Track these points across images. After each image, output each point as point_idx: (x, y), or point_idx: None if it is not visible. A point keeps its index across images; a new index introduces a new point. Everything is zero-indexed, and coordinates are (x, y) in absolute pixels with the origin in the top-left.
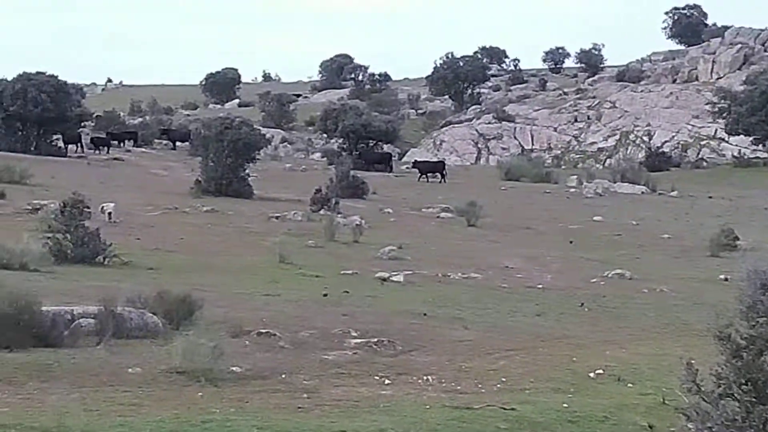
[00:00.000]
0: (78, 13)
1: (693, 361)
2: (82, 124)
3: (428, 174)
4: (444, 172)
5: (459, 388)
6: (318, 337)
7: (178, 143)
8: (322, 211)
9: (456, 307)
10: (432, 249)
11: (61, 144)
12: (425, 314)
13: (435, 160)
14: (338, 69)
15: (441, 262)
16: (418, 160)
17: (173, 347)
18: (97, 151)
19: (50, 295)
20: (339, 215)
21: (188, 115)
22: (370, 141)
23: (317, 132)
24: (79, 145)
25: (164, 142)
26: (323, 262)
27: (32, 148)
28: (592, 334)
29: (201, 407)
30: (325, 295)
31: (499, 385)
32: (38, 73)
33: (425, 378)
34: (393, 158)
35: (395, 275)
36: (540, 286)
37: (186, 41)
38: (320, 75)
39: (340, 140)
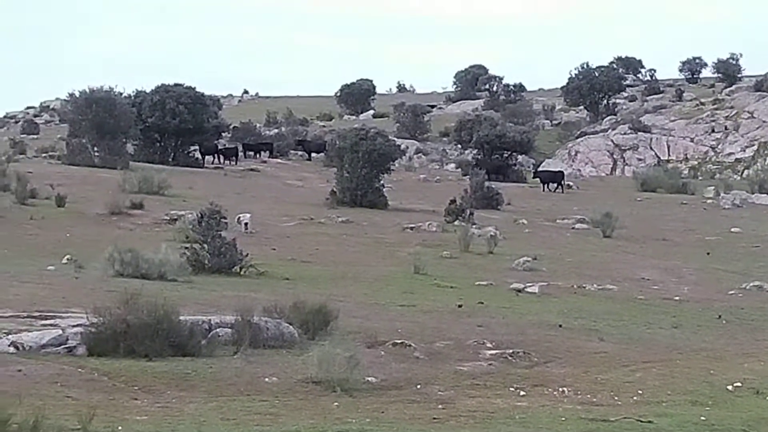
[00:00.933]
0: (215, 24)
1: None
2: (221, 134)
3: (549, 183)
4: (563, 182)
5: (595, 400)
6: (453, 348)
7: (313, 154)
8: (456, 222)
9: (591, 319)
10: (567, 260)
11: (198, 155)
12: (560, 326)
13: (555, 170)
14: (473, 79)
15: (576, 274)
16: (540, 170)
17: (309, 357)
18: (227, 162)
19: (188, 304)
20: (473, 226)
21: (323, 126)
22: (505, 152)
23: (452, 143)
24: (216, 156)
25: (300, 153)
26: (458, 273)
27: (170, 159)
28: (730, 346)
29: (337, 417)
30: (460, 306)
31: (635, 398)
32: (176, 84)
33: (561, 390)
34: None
35: (530, 286)
36: (677, 298)
37: (321, 52)
38: (454, 85)
39: (475, 151)
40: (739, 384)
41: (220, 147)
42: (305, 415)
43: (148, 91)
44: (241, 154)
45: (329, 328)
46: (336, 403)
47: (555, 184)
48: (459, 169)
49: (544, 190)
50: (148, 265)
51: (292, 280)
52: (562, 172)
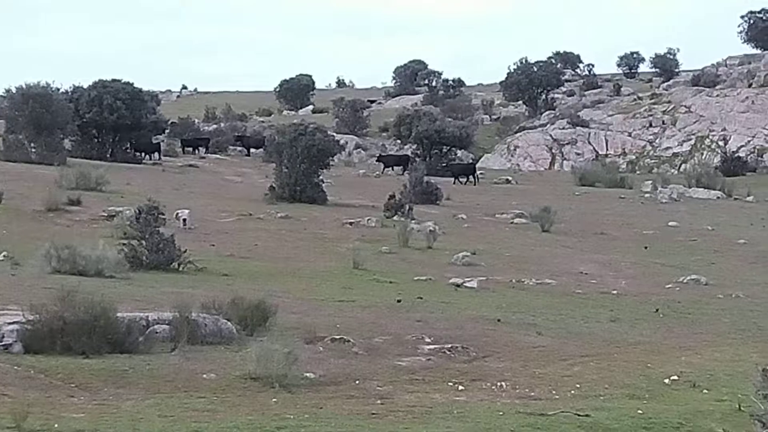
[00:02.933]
0: (153, 21)
1: None
2: (164, 131)
3: (460, 176)
4: (475, 174)
5: (533, 394)
6: (392, 343)
7: (252, 150)
8: (395, 217)
9: (530, 313)
10: (506, 255)
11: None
12: (499, 320)
13: (466, 162)
14: (412, 75)
15: (515, 268)
16: (383, 154)
17: (247, 353)
18: (148, 157)
19: (125, 301)
20: (413, 221)
21: (262, 121)
22: (444, 147)
23: (391, 138)
24: (150, 154)
25: (238, 148)
26: (397, 268)
27: (108, 155)
28: (667, 339)
29: (275, 413)
30: (399, 301)
31: (573, 392)
32: (114, 80)
33: (499, 384)
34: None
35: (469, 281)
36: (614, 291)
37: (260, 48)
38: (394, 81)
39: (414, 146)
40: (676, 377)
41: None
42: (243, 411)
43: (85, 86)
44: (179, 149)
45: (268, 324)
46: (274, 399)
47: (465, 177)
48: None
49: (455, 183)
50: (86, 262)
51: (231, 276)
52: (473, 164)
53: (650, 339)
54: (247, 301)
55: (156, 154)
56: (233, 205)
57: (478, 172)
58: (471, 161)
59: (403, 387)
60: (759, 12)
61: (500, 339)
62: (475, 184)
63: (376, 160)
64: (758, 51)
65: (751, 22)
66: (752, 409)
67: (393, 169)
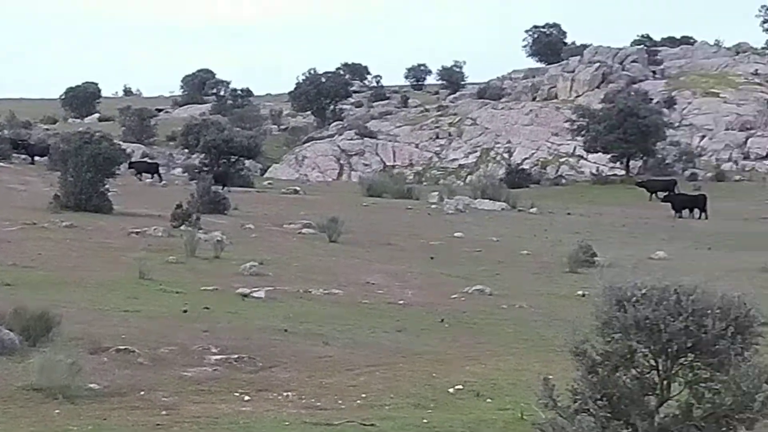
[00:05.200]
0: None
1: (550, 377)
2: None
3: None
4: (159, 173)
5: (319, 404)
6: (178, 353)
7: (36, 158)
8: (183, 227)
9: (317, 323)
10: (294, 265)
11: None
12: (286, 330)
13: (150, 161)
14: (200, 84)
15: (302, 278)
16: (134, 161)
17: (30, 364)
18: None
19: None
20: (200, 231)
21: (47, 129)
22: (232, 156)
23: (178, 147)
24: None
25: (22, 156)
26: (184, 278)
27: None
28: (452, 349)
29: (58, 424)
30: (185, 311)
31: (359, 401)
32: None
33: (285, 394)
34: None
35: (256, 291)
36: (401, 302)
37: (46, 55)
38: (182, 90)
39: (202, 156)
40: (460, 386)
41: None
42: (25, 422)
43: None
44: None
45: (51, 334)
46: (57, 411)
47: (150, 175)
48: (186, 174)
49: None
50: None
51: (14, 285)
52: (156, 163)
53: (436, 349)
54: (29, 311)
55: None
56: (17, 213)
57: (265, 183)
58: (153, 161)
59: (188, 398)
60: (543, 27)
61: (287, 349)
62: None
63: (128, 167)
64: (542, 65)
65: (536, 36)
66: (534, 418)
67: (142, 176)
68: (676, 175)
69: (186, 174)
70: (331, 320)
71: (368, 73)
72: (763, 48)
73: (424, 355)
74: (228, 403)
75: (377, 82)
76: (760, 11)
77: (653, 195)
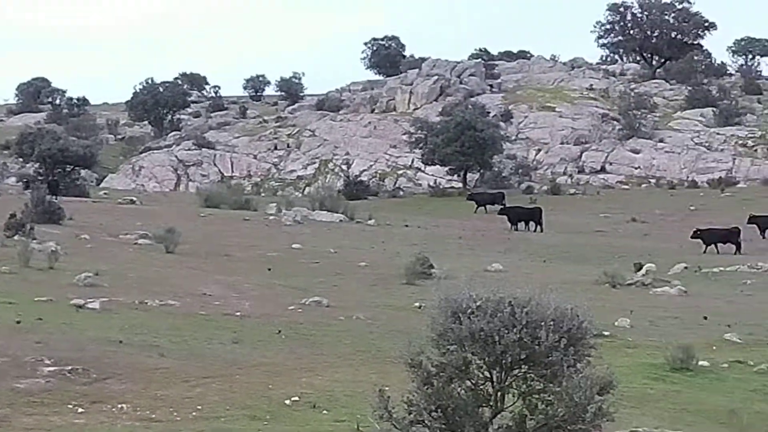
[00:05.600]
0: None
1: (386, 388)
2: None
3: None
4: None
5: (154, 416)
6: (10, 365)
7: None
8: (16, 237)
9: (152, 335)
10: (129, 276)
11: None
12: (121, 342)
13: None
14: (35, 92)
15: (138, 289)
16: None
17: None
18: None
19: None
20: (34, 241)
21: None
22: (68, 166)
23: (13, 156)
24: None
25: None
26: (17, 289)
27: None
28: (289, 361)
29: None
30: (18, 322)
31: (194, 413)
32: None
33: (119, 406)
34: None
35: (91, 302)
36: (238, 313)
37: None
38: (17, 98)
39: (36, 165)
40: (296, 398)
41: None
42: None
43: None
44: None
45: None
46: None
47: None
48: (20, 183)
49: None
50: None
51: None
52: None
53: (272, 360)
54: None
55: None
56: None
57: (101, 192)
58: None
59: (21, 410)
60: (382, 39)
61: (122, 360)
62: None
63: None
64: (381, 77)
65: (374, 49)
66: (370, 430)
67: None
68: (512, 188)
69: (20, 183)
70: (166, 331)
71: (206, 83)
72: (598, 63)
73: (260, 366)
74: (61, 415)
75: (215, 93)
76: (595, 27)
77: (481, 208)
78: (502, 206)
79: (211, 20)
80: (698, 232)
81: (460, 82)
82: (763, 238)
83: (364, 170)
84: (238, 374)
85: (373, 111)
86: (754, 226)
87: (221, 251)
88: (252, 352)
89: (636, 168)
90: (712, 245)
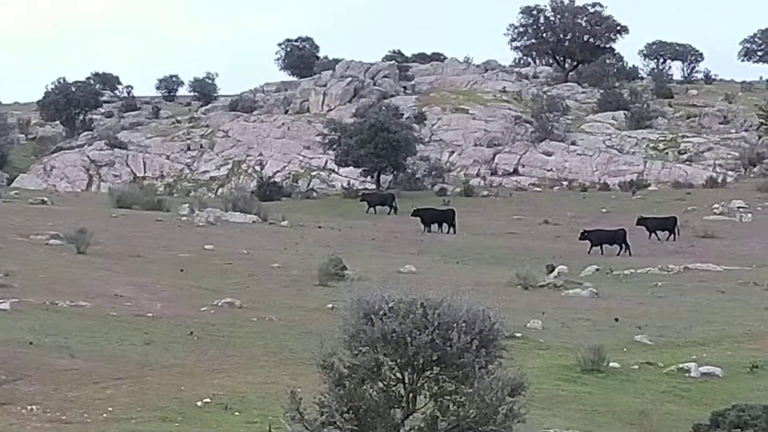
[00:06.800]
0: None
1: (298, 390)
2: None
3: None
4: None
5: (64, 417)
6: None
7: None
8: None
9: (63, 336)
10: (40, 276)
11: None
12: (31, 343)
13: None
14: None
15: (49, 290)
16: None
17: None
18: None
19: None
20: None
21: None
22: None
23: None
24: None
25: None
26: None
27: None
28: (201, 362)
29: None
30: None
31: (105, 415)
32: None
33: (29, 408)
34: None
35: (1, 303)
36: (150, 314)
37: None
38: None
39: None
40: (208, 400)
41: None
42: None
43: None
44: None
45: None
46: None
47: None
48: None
49: None
50: None
51: None
52: None
53: (184, 362)
54: None
55: None
56: None
57: (12, 192)
58: None
59: None
60: (296, 40)
61: (32, 362)
62: None
63: None
64: (294, 78)
65: (288, 50)
66: (282, 431)
67: None
68: (425, 189)
69: None
70: (77, 332)
71: (119, 83)
72: (511, 66)
73: (172, 368)
74: None
75: (128, 93)
76: (508, 30)
77: (373, 208)
78: (392, 207)
79: (124, 19)
80: (585, 234)
81: (374, 84)
82: (649, 239)
83: (278, 171)
84: (150, 376)
85: (286, 112)
86: (643, 227)
87: (133, 252)
88: (164, 354)
89: (548, 170)
90: (599, 246)
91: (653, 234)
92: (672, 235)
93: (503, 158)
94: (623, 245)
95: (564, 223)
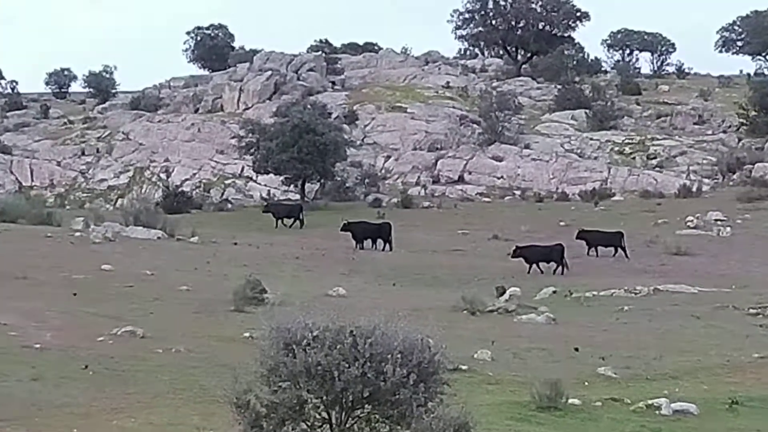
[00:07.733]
0: None
1: None
2: None
3: None
4: None
5: None
6: None
7: None
8: None
9: None
10: None
11: None
12: None
13: None
14: None
15: None
16: None
17: None
18: None
19: None
20: None
21: None
22: None
23: None
24: None
25: None
26: None
27: None
28: (97, 401)
29: None
30: None
31: None
32: None
33: None
34: None
35: None
36: (38, 345)
37: None
38: None
39: None
40: None
41: None
42: None
43: None
44: None
45: None
46: None
47: None
48: None
49: None
50: None
51: None
52: None
53: (78, 400)
54: None
55: None
56: None
57: None
58: None
59: None
60: (207, 28)
61: None
62: None
63: None
64: (206, 72)
65: (199, 39)
66: None
67: None
68: (357, 200)
69: None
70: None
71: (2, 77)
72: (455, 58)
73: (64, 407)
74: None
75: (12, 89)
76: (452, 16)
77: (279, 221)
78: (299, 219)
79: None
80: (518, 250)
81: (298, 78)
82: (588, 254)
83: (187, 179)
84: (38, 416)
85: (197, 111)
86: (583, 241)
87: (19, 273)
88: (54, 391)
89: (499, 178)
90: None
91: (593, 250)
92: (617, 253)
93: (447, 164)
94: (560, 263)
95: (517, 239)
